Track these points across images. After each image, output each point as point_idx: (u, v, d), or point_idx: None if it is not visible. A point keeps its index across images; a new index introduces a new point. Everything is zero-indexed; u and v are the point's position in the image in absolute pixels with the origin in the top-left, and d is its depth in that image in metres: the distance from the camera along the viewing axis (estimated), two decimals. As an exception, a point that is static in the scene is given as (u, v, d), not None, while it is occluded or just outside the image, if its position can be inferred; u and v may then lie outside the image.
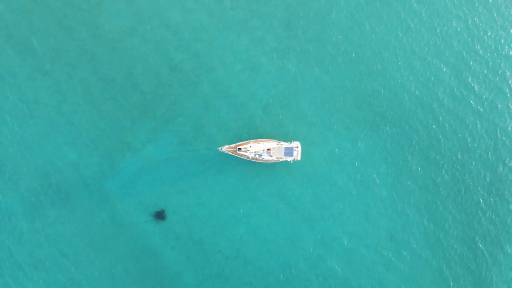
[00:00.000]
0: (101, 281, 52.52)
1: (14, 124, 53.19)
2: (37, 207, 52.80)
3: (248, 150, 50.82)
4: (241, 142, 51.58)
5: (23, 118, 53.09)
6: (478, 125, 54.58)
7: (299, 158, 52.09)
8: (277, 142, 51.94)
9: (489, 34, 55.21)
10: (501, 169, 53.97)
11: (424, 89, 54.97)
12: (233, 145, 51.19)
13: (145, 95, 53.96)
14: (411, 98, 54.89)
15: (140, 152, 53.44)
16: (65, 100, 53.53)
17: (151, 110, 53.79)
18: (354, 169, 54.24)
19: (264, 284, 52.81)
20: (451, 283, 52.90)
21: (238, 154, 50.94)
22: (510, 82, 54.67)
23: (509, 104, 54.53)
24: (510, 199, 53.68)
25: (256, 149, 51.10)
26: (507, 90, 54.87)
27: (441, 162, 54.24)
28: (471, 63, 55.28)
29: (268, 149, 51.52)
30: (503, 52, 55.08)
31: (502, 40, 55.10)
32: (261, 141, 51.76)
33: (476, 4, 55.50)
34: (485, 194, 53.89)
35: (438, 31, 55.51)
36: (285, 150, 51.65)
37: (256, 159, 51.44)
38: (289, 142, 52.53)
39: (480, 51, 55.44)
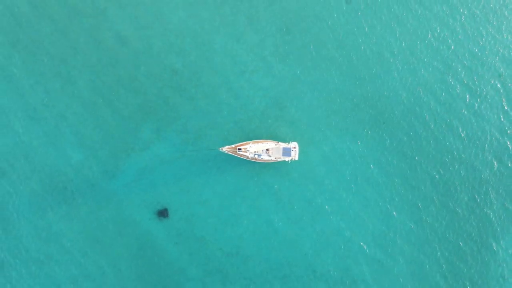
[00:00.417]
0: (106, 277, 52.91)
1: (22, 126, 53.65)
2: (45, 205, 53.23)
3: (247, 151, 51.10)
4: (241, 143, 51.88)
5: (30, 120, 53.55)
6: (471, 126, 55.12)
7: (296, 158, 52.36)
8: (275, 143, 52.27)
9: (482, 37, 55.86)
10: (493, 169, 54.61)
11: (419, 91, 55.41)
12: (233, 146, 51.49)
13: (148, 97, 54.38)
14: (405, 100, 55.31)
15: (143, 153, 53.88)
16: (71, 102, 53.96)
17: (154, 112, 54.23)
18: (350, 169, 54.67)
19: (263, 280, 53.37)
20: (449, 278, 53.36)
21: (238, 154, 51.23)
22: (502, 83, 55.29)
23: (502, 106, 55.16)
24: (497, 199, 54.38)
25: (256, 149, 51.37)
26: (500, 91, 55.42)
27: (437, 161, 54.75)
28: (465, 65, 55.74)
29: (267, 150, 51.85)
30: (496, 55, 55.66)
31: (495, 44, 55.67)
32: (260, 142, 52.13)
33: (470, 9, 56.08)
34: (480, 191, 54.41)
35: (433, 35, 55.87)
36: (283, 150, 51.96)
37: (256, 159, 51.72)
38: (287, 143, 52.84)
39: (474, 54, 55.85)
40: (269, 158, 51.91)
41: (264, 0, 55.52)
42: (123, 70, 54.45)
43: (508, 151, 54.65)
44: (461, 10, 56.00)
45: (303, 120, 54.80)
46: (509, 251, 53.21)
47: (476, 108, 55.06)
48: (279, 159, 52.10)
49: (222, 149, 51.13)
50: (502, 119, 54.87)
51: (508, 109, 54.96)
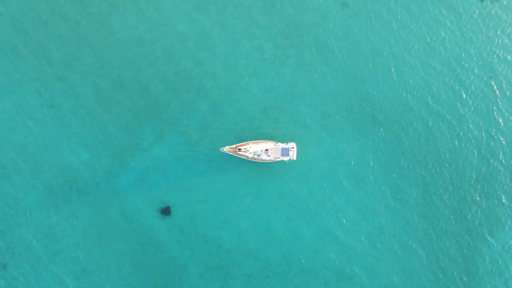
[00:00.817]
0: (111, 272, 53.32)
1: (32, 126, 54.13)
2: (53, 203, 53.73)
3: (247, 151, 51.54)
4: (241, 143, 52.36)
5: (40, 121, 54.15)
6: (466, 126, 55.68)
7: (294, 158, 52.87)
8: (274, 143, 52.64)
9: (475, 41, 56.58)
10: (485, 168, 55.27)
11: (414, 93, 56.02)
12: (233, 146, 51.95)
13: (152, 99, 54.86)
14: (402, 101, 55.95)
15: (147, 152, 54.34)
16: (79, 103, 54.52)
17: (158, 113, 54.71)
18: (347, 169, 55.08)
19: (262, 275, 53.64)
20: (440, 274, 53.79)
21: (239, 154, 51.71)
22: (495, 85, 56.09)
23: (494, 107, 55.87)
24: (490, 197, 54.95)
25: (255, 149, 51.75)
26: (493, 92, 56.11)
27: (430, 161, 55.33)
28: (460, 67, 56.42)
29: (266, 150, 52.17)
30: (490, 57, 56.41)
31: (488, 47, 56.40)
32: (259, 142, 52.52)
33: (465, 13, 56.86)
34: (471, 190, 55.02)
35: (429, 38, 56.57)
36: (282, 151, 52.38)
37: (255, 158, 52.12)
38: (285, 143, 53.28)
39: (468, 57, 56.56)
40: (268, 158, 52.34)
41: (263, 6, 55.96)
42: (128, 73, 54.99)
43: (502, 150, 55.37)
44: (456, 14, 56.76)
45: (301, 121, 55.25)
46: (500, 247, 53.86)
47: (469, 110, 55.79)
48: (277, 159, 52.51)
49: (222, 149, 51.60)
50: (495, 119, 55.61)
51: (499, 110, 55.80)
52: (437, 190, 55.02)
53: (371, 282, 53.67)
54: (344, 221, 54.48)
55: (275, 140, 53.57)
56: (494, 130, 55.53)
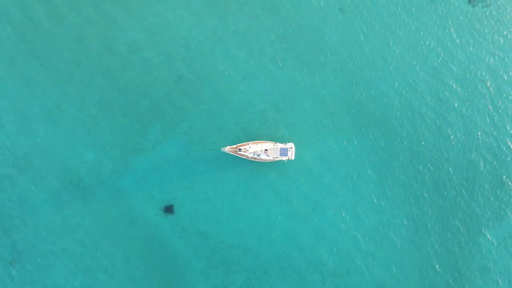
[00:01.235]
0: (116, 268, 53.67)
1: (39, 127, 54.45)
2: (59, 201, 54.04)
3: (247, 151, 52.33)
4: (242, 143, 53.13)
5: (46, 122, 54.44)
6: (459, 127, 56.58)
7: (293, 158, 53.50)
8: (273, 143, 53.29)
9: (469, 45, 57.48)
10: (475, 168, 56.25)
11: (410, 94, 56.86)
12: (234, 146, 52.74)
13: (155, 101, 55.34)
14: (396, 103, 56.71)
15: (151, 152, 54.84)
16: (84, 106, 54.82)
17: (161, 114, 55.21)
18: (344, 167, 55.72)
19: (262, 271, 54.32)
20: (433, 270, 54.67)
21: (239, 154, 52.55)
22: (489, 87, 57.01)
23: (487, 109, 56.80)
24: (482, 196, 55.93)
25: (255, 149, 52.50)
26: (486, 94, 57.02)
27: (425, 160, 56.19)
28: (454, 70, 57.29)
29: (265, 150, 52.81)
30: (483, 60, 57.33)
31: (482, 50, 57.31)
32: (259, 143, 53.23)
33: (458, 19, 57.71)
34: (464, 189, 56.02)
35: (424, 42, 57.31)
36: (280, 151, 52.96)
37: (255, 158, 52.85)
38: (284, 143, 53.95)
39: (462, 60, 57.46)
40: (267, 158, 52.98)
41: (263, 11, 56.42)
42: (132, 76, 55.46)
43: (494, 149, 56.28)
44: (450, 20, 57.49)
45: (299, 122, 55.96)
46: (492, 244, 54.97)
47: (464, 110, 56.65)
48: (276, 159, 53.14)
49: (224, 149, 52.37)
50: (488, 120, 56.60)
51: (493, 111, 56.67)
52: (432, 188, 55.87)
53: (367, 278, 54.53)
54: (340, 218, 55.15)
55: (274, 141, 54.16)
56: (486, 130, 56.49)
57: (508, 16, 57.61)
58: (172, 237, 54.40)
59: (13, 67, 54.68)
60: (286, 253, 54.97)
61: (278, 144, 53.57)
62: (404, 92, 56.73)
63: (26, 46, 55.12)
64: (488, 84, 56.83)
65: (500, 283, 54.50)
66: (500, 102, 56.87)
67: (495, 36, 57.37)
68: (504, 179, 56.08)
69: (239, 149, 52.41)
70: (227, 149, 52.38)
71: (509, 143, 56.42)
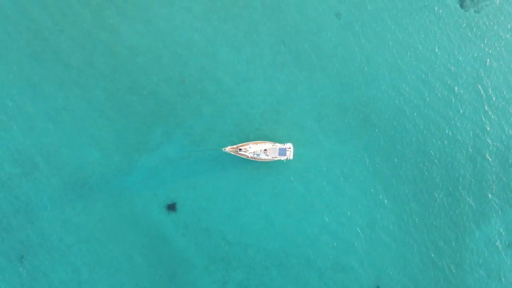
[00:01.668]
0: (120, 264, 54.58)
1: (46, 128, 54.95)
2: (66, 199, 54.75)
3: (247, 151, 52.79)
4: (242, 144, 53.55)
5: (54, 123, 54.97)
6: (455, 127, 57.40)
7: (291, 158, 54.03)
8: (272, 144, 53.83)
9: (462, 48, 58.00)
10: (472, 166, 56.99)
11: (406, 96, 57.43)
12: (234, 146, 53.17)
13: (159, 103, 55.78)
14: (391, 105, 57.22)
15: (154, 152, 55.42)
16: (91, 106, 55.27)
17: (164, 115, 55.67)
18: (340, 167, 56.28)
19: (261, 266, 55.16)
20: (430, 265, 55.55)
21: (239, 154, 53.07)
22: (482, 89, 57.64)
23: (480, 110, 57.47)
24: (474, 194, 56.68)
25: (255, 149, 52.97)
26: (479, 96, 57.61)
27: (421, 160, 56.93)
28: (448, 72, 57.80)
29: (265, 150, 53.28)
30: (476, 62, 57.93)
31: (475, 53, 57.91)
32: (259, 143, 53.76)
33: (449, 24, 58.15)
34: (459, 187, 56.80)
35: (419, 45, 57.64)
36: (279, 151, 53.47)
37: (255, 158, 53.40)
38: (283, 144, 54.39)
39: (456, 62, 58.07)
40: (266, 158, 53.53)
41: (262, 16, 56.66)
42: (135, 79, 55.86)
43: (488, 149, 56.98)
44: (443, 24, 57.97)
45: (297, 123, 56.48)
46: (483, 241, 55.88)
47: (457, 111, 57.29)
48: (275, 159, 53.67)
49: (224, 149, 52.85)
50: (482, 121, 57.24)
51: (486, 112, 57.36)
52: (428, 187, 56.61)
53: (364, 273, 55.42)
54: (338, 216, 55.82)
55: (273, 141, 54.69)
56: (481, 130, 57.24)
57: (498, 20, 58.30)
58: (175, 234, 55.12)
59: (21, 71, 55.28)
60: (284, 249, 55.69)
61: (277, 144, 54.07)
62: (398, 95, 57.21)
63: (36, 48, 55.50)
64: (480, 86, 57.34)
65: (490, 278, 55.48)
66: (492, 103, 57.49)
67: (487, 39, 58.01)
68: (494, 178, 56.86)
69: (240, 149, 52.94)
70: (228, 149, 52.89)
71: (501, 144, 57.30)
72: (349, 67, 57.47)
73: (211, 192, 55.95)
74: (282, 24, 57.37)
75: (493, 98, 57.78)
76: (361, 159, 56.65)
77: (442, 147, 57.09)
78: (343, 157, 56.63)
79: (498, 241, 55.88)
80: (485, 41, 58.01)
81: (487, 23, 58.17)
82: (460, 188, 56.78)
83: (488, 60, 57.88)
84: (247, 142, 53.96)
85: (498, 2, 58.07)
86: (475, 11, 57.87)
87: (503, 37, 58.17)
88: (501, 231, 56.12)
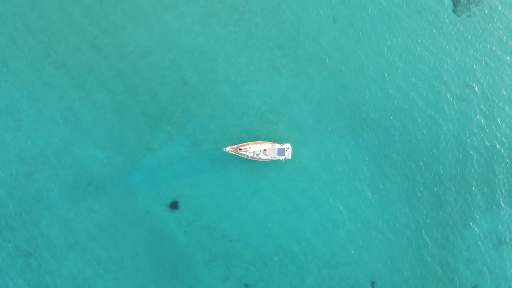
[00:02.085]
0: (124, 260, 55.44)
1: (52, 128, 55.88)
2: (72, 198, 55.54)
3: (247, 151, 53.18)
4: (242, 144, 53.96)
5: (60, 124, 55.84)
6: (447, 127, 57.48)
7: (290, 157, 54.48)
8: (271, 144, 54.20)
9: (456, 51, 58.35)
10: (465, 166, 57.35)
11: (401, 98, 57.63)
12: (235, 146, 53.64)
13: (162, 104, 56.46)
14: (389, 106, 57.64)
15: (157, 152, 56.05)
16: (95, 108, 56.06)
17: (167, 117, 56.29)
18: (337, 166, 56.70)
19: (261, 263, 55.78)
20: (422, 262, 55.93)
21: (240, 154, 53.59)
22: (476, 90, 58.06)
23: (475, 111, 57.92)
24: (466, 193, 57.22)
25: (254, 149, 53.33)
26: (473, 96, 57.99)
27: (415, 159, 57.13)
28: (443, 73, 58.10)
29: (264, 150, 53.65)
30: (470, 64, 58.22)
31: (469, 56, 58.21)
32: (258, 143, 54.20)
33: (444, 27, 58.52)
34: (451, 186, 56.87)
35: (414, 50, 57.97)
36: (278, 151, 53.84)
37: (254, 158, 53.80)
38: (281, 144, 54.81)
39: (451, 64, 58.19)
40: (266, 157, 53.95)
41: (262, 20, 57.25)
42: (140, 81, 56.56)
43: (481, 149, 57.29)
44: (437, 28, 58.17)
45: (296, 124, 56.95)
46: (475, 238, 56.54)
47: (453, 112, 57.41)
48: (274, 158, 54.10)
49: (225, 149, 53.28)
50: (475, 121, 57.46)
51: (480, 113, 57.72)
52: (422, 186, 56.86)
53: (359, 269, 56.11)
54: (334, 213, 56.41)
55: (272, 141, 55.10)
56: (473, 131, 57.63)
57: (490, 24, 58.97)
58: (177, 231, 55.81)
59: (31, 72, 56.08)
60: (283, 246, 56.30)
61: (276, 144, 54.54)
62: (396, 95, 57.59)
63: (42, 52, 56.30)
64: (475, 87, 57.84)
65: (483, 273, 56.20)
66: (487, 104, 57.83)
67: (480, 43, 58.68)
68: (490, 177, 57.34)
69: (240, 149, 53.40)
70: (229, 149, 53.34)
71: (496, 143, 57.79)
72: (345, 70, 57.86)
73: (212, 191, 56.50)
74: (281, 28, 57.94)
75: (486, 99, 57.98)
76: (358, 159, 57.05)
77: (435, 147, 57.35)
78: (340, 156, 57.01)
79: (489, 239, 56.64)
80: (479, 45, 58.57)
81: (479, 28, 58.82)
82: (452, 187, 57.16)
83: (482, 62, 58.38)
84: (247, 143, 54.44)
85: (490, 7, 58.79)
86: (467, 16, 58.56)
87: (496, 41, 58.83)
88: (492, 229, 56.75)
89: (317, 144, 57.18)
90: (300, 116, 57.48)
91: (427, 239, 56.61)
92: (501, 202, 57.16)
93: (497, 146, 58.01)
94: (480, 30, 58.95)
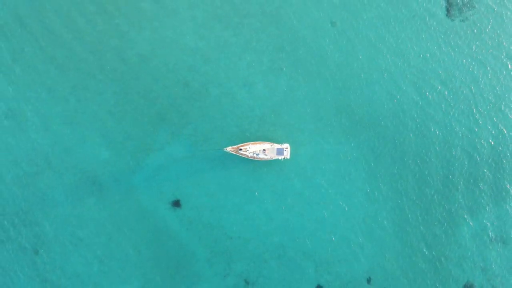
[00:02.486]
0: (128, 256, 56.09)
1: (59, 129, 56.47)
2: (77, 196, 56.22)
3: (247, 150, 53.87)
4: (242, 144, 54.57)
5: (65, 125, 56.60)
6: (441, 128, 58.04)
7: (288, 157, 55.22)
8: (270, 144, 54.78)
9: (450, 53, 58.89)
10: (457, 166, 58.06)
11: (397, 99, 58.15)
12: (235, 146, 54.24)
13: (164, 105, 57.04)
14: (384, 107, 58.19)
15: (160, 152, 56.59)
16: (99, 109, 56.64)
17: (169, 118, 56.91)
18: (334, 165, 57.37)
19: (260, 259, 56.53)
20: (416, 259, 56.61)
21: (240, 154, 54.24)
22: (473, 90, 58.60)
23: (468, 112, 58.38)
24: (459, 191, 57.90)
25: (254, 149, 53.98)
26: (470, 97, 58.43)
27: (409, 160, 57.63)
28: (438, 75, 58.46)
29: (263, 150, 54.26)
30: (464, 66, 58.95)
31: (463, 59, 58.89)
32: (258, 143, 54.77)
33: (438, 31, 59.20)
34: (444, 186, 57.69)
35: (410, 52, 58.40)
36: (277, 150, 54.54)
37: (254, 157, 54.40)
38: (280, 144, 55.46)
39: (446, 67, 58.70)
40: (265, 157, 54.57)
41: (262, 24, 57.88)
42: (143, 83, 57.14)
43: (475, 149, 57.93)
44: (432, 32, 58.97)
45: (294, 125, 57.61)
46: (470, 235, 57.37)
47: (446, 114, 58.16)
48: (273, 158, 54.74)
49: (226, 149, 53.96)
50: (468, 123, 58.16)
51: (473, 114, 58.30)
52: (419, 184, 57.52)
53: (356, 266, 56.95)
54: (331, 211, 57.09)
55: (271, 141, 55.71)
56: (469, 131, 58.22)
57: (483, 28, 59.78)
58: (179, 229, 56.53)
59: (36, 75, 56.81)
60: (282, 243, 57.05)
61: (275, 144, 55.19)
62: (391, 97, 58.21)
63: (48, 56, 57.13)
64: (469, 88, 58.39)
65: (475, 270, 57.10)
66: (480, 105, 58.26)
67: (474, 46, 59.48)
68: (482, 177, 58.11)
69: (240, 149, 54.11)
70: (229, 149, 54.05)
71: (488, 143, 58.41)
72: (343, 72, 58.52)
73: (214, 190, 57.13)
74: (280, 32, 58.59)
75: (481, 100, 58.79)
76: (355, 158, 57.63)
77: (433, 146, 58.04)
78: (337, 156, 57.67)
79: (483, 236, 57.57)
80: (472, 48, 59.45)
81: (472, 31, 59.73)
82: (449, 185, 57.81)
83: (476, 65, 59.04)
84: (247, 143, 55.11)
85: (482, 12, 59.64)
86: (461, 20, 59.49)
87: (488, 44, 59.69)
88: (487, 226, 57.43)
89: (315, 144, 57.75)
90: (298, 117, 58.07)
91: (424, 236, 57.24)
92: (492, 201, 57.93)
93: (491, 146, 58.78)
94: (473, 34, 59.93)
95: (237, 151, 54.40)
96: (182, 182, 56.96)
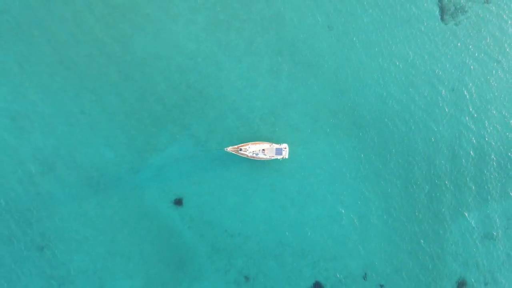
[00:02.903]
0: (132, 254, 56.53)
1: (64, 130, 56.88)
2: (82, 195, 56.55)
3: (247, 150, 54.33)
4: (242, 144, 55.02)
5: (71, 126, 56.88)
6: (438, 129, 59.13)
7: (287, 157, 55.76)
8: (270, 144, 55.30)
9: (447, 56, 59.82)
10: (455, 165, 59.02)
11: (393, 100, 59.11)
12: (235, 146, 54.64)
13: (167, 107, 57.62)
14: (379, 109, 58.99)
15: (162, 152, 57.10)
16: (105, 110, 57.13)
17: (172, 119, 57.38)
18: (332, 165, 58.04)
19: (260, 257, 57.13)
20: (412, 255, 57.37)
21: (240, 154, 54.68)
22: (465, 93, 59.52)
23: (465, 112, 59.43)
24: (453, 189, 58.88)
25: (254, 149, 54.48)
26: (462, 99, 59.46)
27: (407, 159, 58.59)
28: (434, 77, 59.58)
29: (263, 149, 54.71)
30: (459, 69, 59.86)
31: (458, 61, 59.90)
32: (257, 143, 55.31)
33: (433, 35, 60.30)
34: (441, 185, 58.69)
35: (406, 54, 59.53)
36: (276, 150, 55.05)
37: (254, 157, 54.88)
38: (279, 144, 55.99)
39: (442, 69, 59.67)
40: (264, 157, 55.05)
41: (261, 28, 58.71)
42: (146, 86, 57.68)
43: (472, 148, 58.74)
44: (427, 36, 60.09)
45: (293, 126, 58.29)
46: (461, 233, 58.56)
47: (444, 114, 58.97)
48: (272, 158, 55.25)
49: (226, 149, 54.40)
50: (465, 123, 59.05)
51: (470, 114, 59.31)
52: (413, 183, 58.31)
53: (354, 262, 57.69)
54: (329, 209, 57.79)
55: (270, 142, 56.32)
56: (461, 132, 59.22)
57: (476, 32, 60.89)
58: (181, 227, 56.96)
59: (45, 77, 57.26)
60: (281, 240, 57.63)
61: (274, 144, 55.75)
62: (388, 98, 59.01)
63: (53, 60, 57.53)
64: (463, 90, 59.29)
65: (470, 265, 58.13)
66: (473, 106, 59.24)
67: (468, 49, 60.63)
68: (477, 175, 58.94)
69: (240, 149, 54.57)
70: (230, 149, 54.51)
71: (483, 142, 59.33)
72: (340, 74, 59.22)
73: (214, 188, 57.65)
74: (279, 35, 59.26)
75: (475, 101, 59.83)
76: (352, 158, 58.26)
77: (426, 146, 58.70)
78: (335, 156, 58.28)
79: (475, 233, 58.61)
80: (466, 51, 60.57)
81: (466, 35, 60.84)
82: (441, 185, 58.55)
83: (471, 67, 59.95)
84: (247, 143, 55.67)
85: (475, 16, 60.90)
86: (455, 24, 60.73)
87: (481, 47, 60.91)
88: (477, 223, 58.55)
89: (312, 144, 58.42)
90: (297, 118, 58.73)
91: (417, 234, 57.99)
92: (487, 198, 58.87)
93: (484, 145, 59.75)
94: (467, 37, 61.08)
95: (237, 151, 54.82)
96: (184, 181, 57.34)
